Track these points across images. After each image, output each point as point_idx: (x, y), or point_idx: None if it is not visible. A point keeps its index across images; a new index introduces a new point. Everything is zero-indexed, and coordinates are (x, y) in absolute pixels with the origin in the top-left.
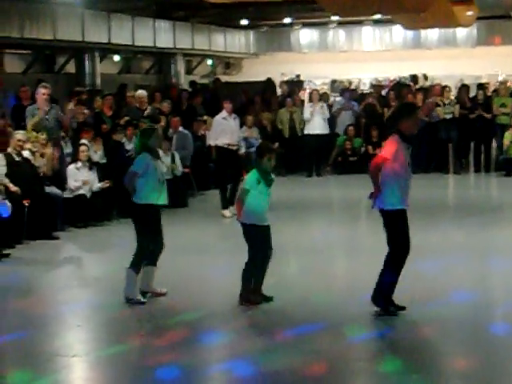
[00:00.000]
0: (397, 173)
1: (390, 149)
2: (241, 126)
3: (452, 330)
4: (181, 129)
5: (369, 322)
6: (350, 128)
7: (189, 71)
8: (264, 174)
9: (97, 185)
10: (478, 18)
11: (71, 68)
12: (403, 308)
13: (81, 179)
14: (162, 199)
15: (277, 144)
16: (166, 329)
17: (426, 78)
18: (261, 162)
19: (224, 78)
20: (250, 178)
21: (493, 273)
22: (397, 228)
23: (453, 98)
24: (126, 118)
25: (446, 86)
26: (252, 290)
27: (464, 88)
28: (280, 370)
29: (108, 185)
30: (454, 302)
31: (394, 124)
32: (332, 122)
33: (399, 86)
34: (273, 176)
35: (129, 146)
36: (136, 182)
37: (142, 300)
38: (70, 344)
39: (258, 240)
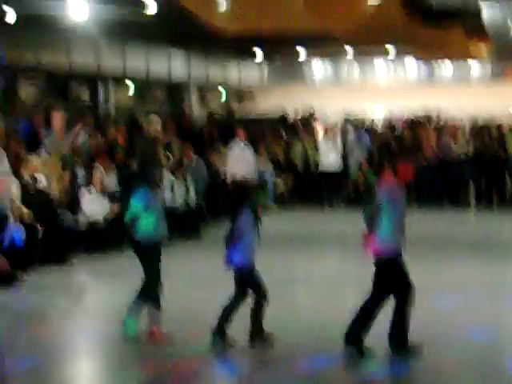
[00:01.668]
0: (394, 216)
1: (388, 192)
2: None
3: (469, 368)
4: (195, 157)
5: (384, 358)
6: (365, 164)
7: (202, 102)
8: (257, 215)
9: (111, 211)
10: (493, 54)
11: (85, 96)
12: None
13: (98, 207)
14: (164, 232)
15: (291, 178)
16: (180, 360)
17: (439, 117)
18: (251, 200)
19: (237, 110)
20: (247, 220)
21: (508, 310)
22: (394, 275)
23: (466, 137)
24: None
25: (458, 127)
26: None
27: (484, 129)
28: None
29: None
30: (469, 339)
31: (390, 163)
32: (345, 156)
33: (413, 124)
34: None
35: None
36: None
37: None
38: (79, 373)
39: (257, 281)
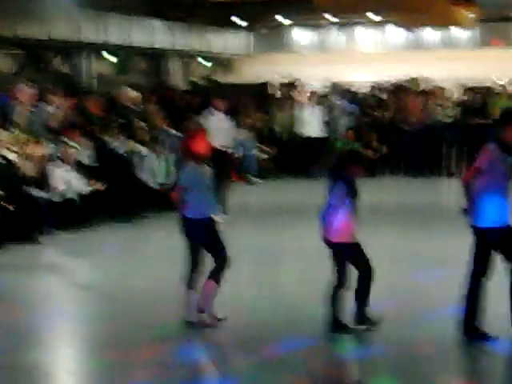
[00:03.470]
0: (491, 186)
1: (484, 159)
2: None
3: (447, 346)
4: (167, 129)
5: (357, 338)
6: (350, 132)
7: (186, 72)
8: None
9: (85, 187)
10: (481, 20)
11: (65, 68)
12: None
13: (70, 182)
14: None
15: (275, 148)
16: (146, 343)
17: (426, 80)
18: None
19: (221, 79)
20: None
21: None
22: (485, 248)
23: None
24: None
25: (446, 89)
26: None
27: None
28: None
29: (99, 186)
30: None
31: (491, 131)
32: (332, 125)
33: (399, 89)
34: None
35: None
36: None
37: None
38: (48, 358)
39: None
